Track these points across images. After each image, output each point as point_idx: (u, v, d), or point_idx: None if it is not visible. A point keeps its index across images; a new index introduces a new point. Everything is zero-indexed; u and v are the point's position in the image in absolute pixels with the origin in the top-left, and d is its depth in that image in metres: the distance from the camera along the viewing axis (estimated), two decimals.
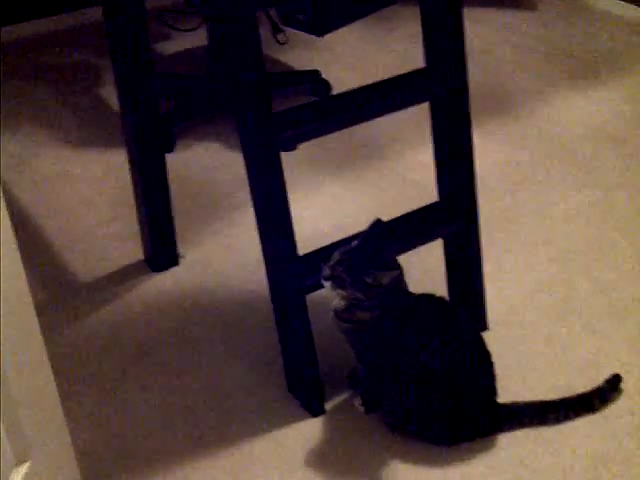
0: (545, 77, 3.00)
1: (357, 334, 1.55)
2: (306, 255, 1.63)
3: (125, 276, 2.05)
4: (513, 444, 1.58)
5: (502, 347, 1.73)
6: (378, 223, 1.52)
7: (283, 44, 3.17)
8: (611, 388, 1.66)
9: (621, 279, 2.00)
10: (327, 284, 1.49)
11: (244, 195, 2.38)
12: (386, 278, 1.48)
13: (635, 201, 2.29)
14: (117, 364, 1.80)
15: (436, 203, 1.80)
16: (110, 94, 2.85)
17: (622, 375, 1.70)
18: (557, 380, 1.71)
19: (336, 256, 1.50)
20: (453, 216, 1.75)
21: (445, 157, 1.73)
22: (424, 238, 1.74)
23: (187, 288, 2.01)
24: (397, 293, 1.52)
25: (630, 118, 2.71)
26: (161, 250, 2.05)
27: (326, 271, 1.48)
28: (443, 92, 1.64)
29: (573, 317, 1.89)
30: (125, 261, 2.10)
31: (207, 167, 2.49)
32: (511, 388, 1.66)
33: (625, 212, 2.25)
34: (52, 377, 1.32)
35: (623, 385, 1.67)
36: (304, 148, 2.48)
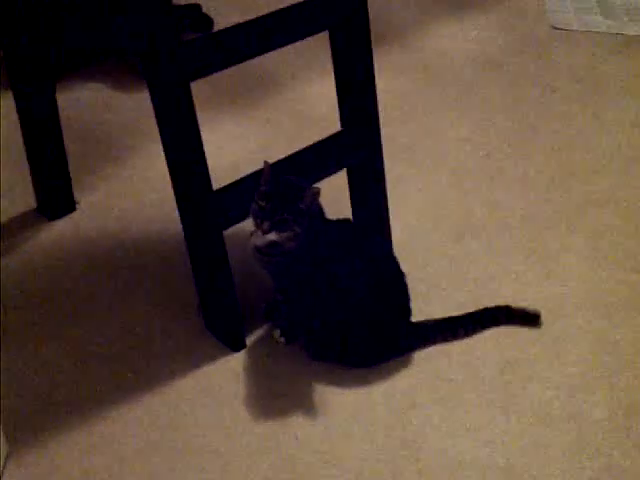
0: (423, 7, 3.05)
1: (280, 266, 1.57)
2: (220, 190, 1.61)
3: (20, 226, 1.97)
4: (428, 360, 1.66)
5: (408, 269, 1.78)
6: (270, 165, 1.54)
7: None
8: (521, 318, 1.72)
9: (509, 199, 2.11)
10: (271, 235, 1.50)
11: (133, 136, 2.34)
12: (312, 197, 1.52)
13: (517, 124, 2.40)
14: (26, 317, 1.74)
15: (340, 132, 1.82)
16: None
17: (517, 287, 1.81)
18: (462, 296, 1.80)
19: (260, 206, 1.50)
20: (358, 145, 1.78)
21: (348, 86, 1.75)
22: (331, 169, 1.76)
23: (88, 234, 1.96)
24: (317, 219, 1.55)
25: (505, 44, 2.82)
26: (56, 196, 1.98)
27: (265, 225, 1.49)
28: (342, 20, 1.65)
29: (470, 236, 1.98)
30: (16, 211, 2.01)
31: (92, 108, 2.40)
32: (421, 307, 1.72)
33: (509, 134, 2.35)
34: None
35: (519, 297, 1.78)
36: (193, 85, 2.44)
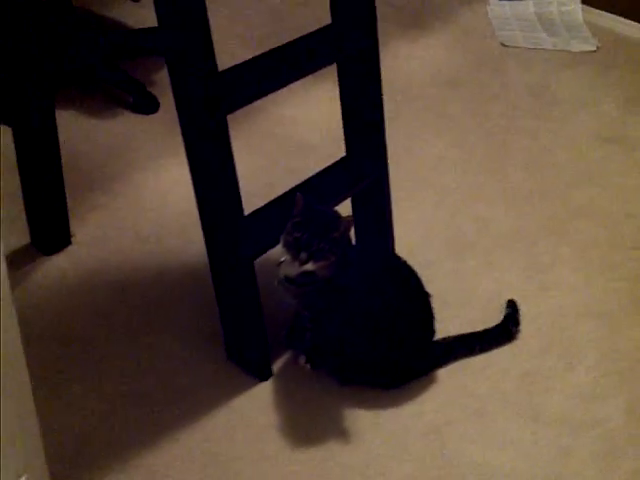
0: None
1: (310, 294, 1.59)
2: (250, 215, 1.62)
3: (16, 263, 1.90)
4: (451, 376, 1.71)
5: None
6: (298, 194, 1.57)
7: (137, 1, 2.98)
8: (514, 310, 1.83)
9: (495, 214, 2.19)
10: (308, 265, 1.51)
11: (115, 165, 2.30)
12: (346, 226, 1.55)
13: (487, 140, 2.49)
14: (41, 358, 1.68)
15: (343, 159, 1.85)
16: None
17: (519, 300, 1.89)
18: (470, 313, 1.87)
19: (296, 237, 1.51)
20: (365, 173, 1.81)
21: (355, 114, 1.78)
22: (341, 196, 1.79)
23: (89, 268, 1.91)
24: (348, 247, 1.58)
25: (460, 62, 2.91)
26: (52, 230, 1.92)
27: (303, 255, 1.50)
28: (356, 50, 1.68)
29: (467, 253, 2.05)
30: (9, 247, 1.94)
31: (69, 138, 2.34)
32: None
33: (481, 151, 2.44)
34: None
35: (524, 309, 1.86)
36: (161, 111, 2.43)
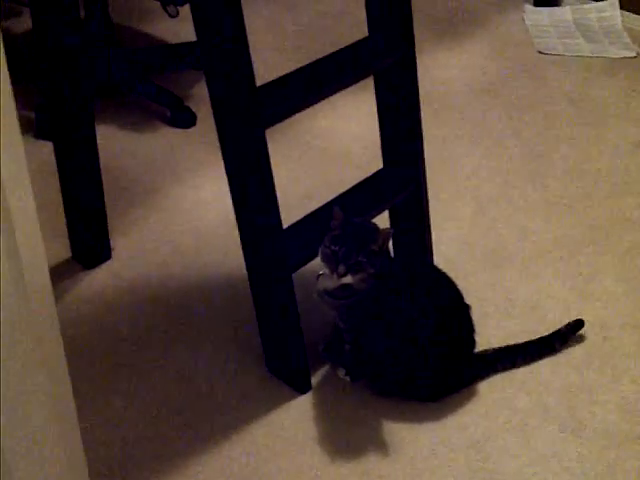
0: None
1: (349, 307, 1.58)
2: (287, 229, 1.62)
3: (58, 277, 1.92)
4: (492, 389, 1.69)
5: None
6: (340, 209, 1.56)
7: (174, 17, 3.02)
8: (571, 331, 1.78)
9: (535, 223, 2.17)
10: (346, 278, 1.51)
11: (152, 179, 2.32)
12: (384, 238, 1.54)
13: (526, 149, 2.46)
14: (81, 372, 1.70)
15: (380, 172, 1.85)
16: None
17: (561, 311, 1.86)
18: (511, 324, 1.85)
19: (333, 250, 1.51)
20: (403, 184, 1.80)
21: (392, 126, 1.78)
22: (379, 207, 1.78)
23: (130, 282, 1.93)
24: (386, 259, 1.57)
25: (497, 70, 2.89)
26: (93, 244, 1.94)
27: (341, 268, 1.50)
28: (393, 62, 1.68)
29: (507, 263, 2.03)
30: (51, 261, 1.97)
31: (106, 153, 2.36)
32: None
33: (520, 160, 2.42)
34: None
35: (565, 319, 1.83)
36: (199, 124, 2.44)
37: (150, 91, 2.51)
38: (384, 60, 1.67)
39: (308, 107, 1.52)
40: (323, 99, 1.56)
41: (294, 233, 1.64)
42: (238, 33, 1.37)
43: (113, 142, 2.40)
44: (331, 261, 1.52)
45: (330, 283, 1.56)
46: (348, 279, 1.51)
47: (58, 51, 1.66)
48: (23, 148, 0.92)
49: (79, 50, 1.68)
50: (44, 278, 1.07)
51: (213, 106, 1.47)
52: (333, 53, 1.63)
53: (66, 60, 1.69)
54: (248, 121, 1.43)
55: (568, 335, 1.77)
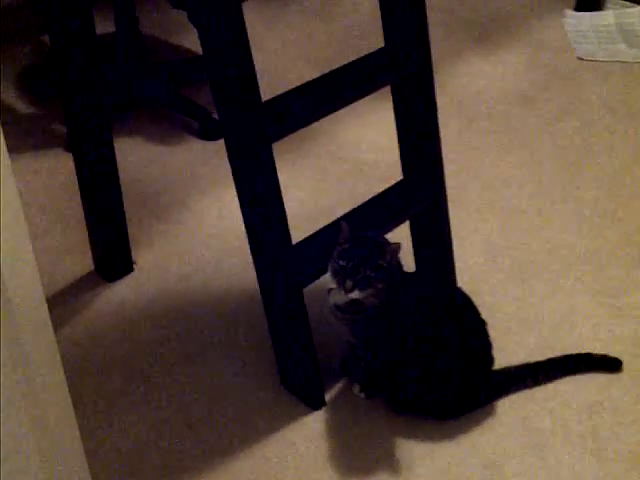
0: (446, 47, 3.06)
1: (361, 323, 1.56)
2: (299, 243, 1.60)
3: (79, 290, 1.94)
4: (512, 407, 1.64)
5: None
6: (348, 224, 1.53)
7: None
8: (604, 364, 1.71)
9: (566, 236, 2.10)
10: (354, 294, 1.48)
11: (177, 191, 2.33)
12: (392, 253, 1.51)
13: (560, 159, 2.40)
14: (98, 384, 1.71)
15: (401, 182, 1.81)
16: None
17: (589, 327, 1.80)
18: (535, 341, 1.79)
19: (342, 265, 1.49)
20: (423, 195, 1.77)
21: (411, 135, 1.75)
22: (397, 220, 1.75)
23: (151, 296, 1.93)
24: (397, 274, 1.54)
25: (533, 78, 2.83)
26: (114, 257, 1.96)
27: (348, 284, 1.47)
28: (407, 74, 1.65)
29: (534, 277, 1.97)
30: (74, 274, 1.99)
31: (133, 164, 2.39)
32: (495, 353, 1.71)
33: (554, 170, 2.35)
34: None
35: (591, 335, 1.77)
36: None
37: (178, 103, 2.52)
38: (398, 72, 1.64)
39: (317, 120, 1.50)
40: (333, 112, 1.53)
41: (307, 247, 1.62)
42: (241, 48, 1.36)
43: (141, 153, 2.41)
44: (339, 276, 1.50)
45: (340, 298, 1.54)
46: (356, 294, 1.49)
47: (73, 66, 1.68)
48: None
49: (93, 64, 1.69)
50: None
51: (219, 121, 1.46)
52: (345, 65, 1.60)
53: (82, 74, 1.70)
54: (253, 136, 1.42)
55: (599, 365, 1.71)
